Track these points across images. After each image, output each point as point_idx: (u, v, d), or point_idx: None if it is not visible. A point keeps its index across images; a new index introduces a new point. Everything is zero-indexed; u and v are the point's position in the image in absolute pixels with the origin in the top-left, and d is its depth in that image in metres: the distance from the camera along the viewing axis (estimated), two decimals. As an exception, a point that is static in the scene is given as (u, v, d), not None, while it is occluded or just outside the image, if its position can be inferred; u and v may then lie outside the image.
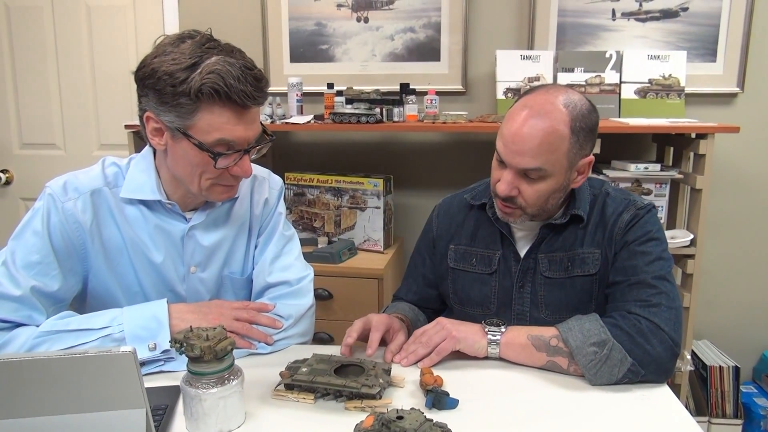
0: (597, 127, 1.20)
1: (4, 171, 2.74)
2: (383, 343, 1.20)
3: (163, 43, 1.07)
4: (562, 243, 1.25)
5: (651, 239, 1.20)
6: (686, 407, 1.02)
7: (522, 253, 1.28)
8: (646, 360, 1.06)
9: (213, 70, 1.02)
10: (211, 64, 1.02)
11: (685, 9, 2.24)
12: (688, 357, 2.05)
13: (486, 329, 1.15)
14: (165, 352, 1.09)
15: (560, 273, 1.25)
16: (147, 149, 1.20)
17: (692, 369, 2.16)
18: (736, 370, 2.22)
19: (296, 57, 2.50)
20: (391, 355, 1.17)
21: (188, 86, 1.02)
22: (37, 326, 1.08)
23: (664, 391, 1.06)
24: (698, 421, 1.00)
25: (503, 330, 1.15)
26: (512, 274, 1.29)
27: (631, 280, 1.17)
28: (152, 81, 1.04)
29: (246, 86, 1.04)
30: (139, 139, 2.18)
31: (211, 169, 1.09)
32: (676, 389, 2.02)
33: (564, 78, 2.25)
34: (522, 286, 1.28)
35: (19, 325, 1.08)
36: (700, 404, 2.27)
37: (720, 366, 2.23)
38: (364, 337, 1.19)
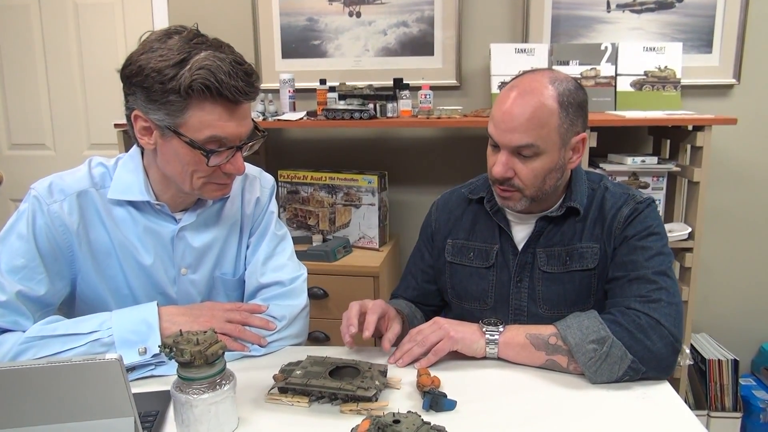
0: (586, 104, 1.21)
1: (-7, 172, 2.71)
2: (379, 335, 1.19)
3: (149, 40, 1.05)
4: (561, 237, 1.24)
5: (651, 234, 1.18)
6: (685, 401, 1.01)
7: (520, 248, 1.27)
8: (647, 356, 1.05)
9: (203, 66, 1.00)
10: (200, 60, 1.00)
11: (681, 0, 2.22)
12: (687, 351, 2.04)
13: (484, 329, 1.13)
14: (156, 356, 1.07)
15: (558, 267, 1.24)
16: (135, 149, 1.18)
17: (691, 363, 2.15)
18: (735, 363, 2.21)
19: (288, 53, 2.47)
20: (388, 344, 1.15)
21: (178, 83, 1.00)
22: (24, 332, 1.06)
23: (665, 389, 1.05)
24: (697, 415, 0.99)
25: (501, 329, 1.13)
26: (510, 268, 1.27)
27: (631, 275, 1.15)
28: (140, 79, 1.02)
29: (237, 81, 1.02)
30: (129, 138, 2.15)
31: (204, 167, 1.07)
32: (675, 384, 2.00)
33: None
34: (520, 281, 1.27)
35: (5, 330, 1.06)
36: (700, 398, 2.26)
37: (719, 359, 2.22)
38: (359, 323, 1.16)
